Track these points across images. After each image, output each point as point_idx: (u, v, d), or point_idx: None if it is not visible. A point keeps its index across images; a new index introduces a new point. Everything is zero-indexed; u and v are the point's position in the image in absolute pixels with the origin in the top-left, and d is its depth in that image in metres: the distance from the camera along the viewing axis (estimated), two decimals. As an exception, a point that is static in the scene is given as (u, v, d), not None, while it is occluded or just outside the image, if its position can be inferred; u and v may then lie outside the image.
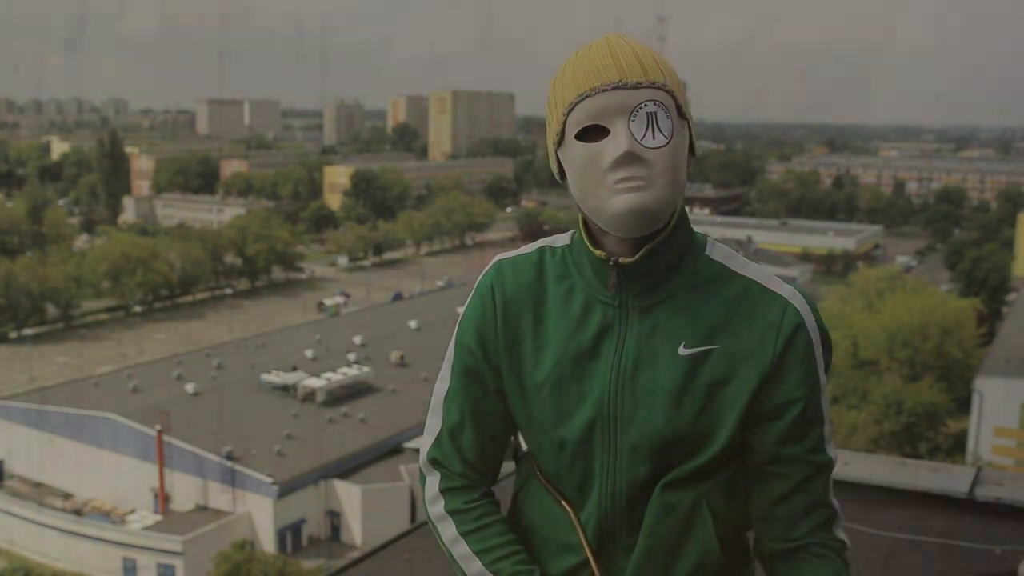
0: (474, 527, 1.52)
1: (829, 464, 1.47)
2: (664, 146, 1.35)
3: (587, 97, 1.36)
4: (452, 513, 1.54)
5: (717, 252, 1.49)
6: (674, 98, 1.38)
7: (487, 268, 1.57)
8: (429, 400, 1.63)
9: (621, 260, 1.42)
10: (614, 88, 1.35)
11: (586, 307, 1.47)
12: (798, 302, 1.45)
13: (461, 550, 1.52)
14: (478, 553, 1.50)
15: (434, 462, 1.57)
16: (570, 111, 1.38)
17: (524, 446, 1.59)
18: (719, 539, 1.45)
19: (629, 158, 1.34)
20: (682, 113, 1.40)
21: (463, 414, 1.55)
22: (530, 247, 1.57)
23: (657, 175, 1.35)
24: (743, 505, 1.50)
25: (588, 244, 1.47)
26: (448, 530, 1.53)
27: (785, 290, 1.46)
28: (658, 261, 1.43)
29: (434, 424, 1.58)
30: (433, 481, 1.57)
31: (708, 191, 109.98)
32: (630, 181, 1.34)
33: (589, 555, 1.47)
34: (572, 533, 1.49)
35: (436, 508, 1.56)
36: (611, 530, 1.47)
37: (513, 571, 1.49)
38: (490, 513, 1.54)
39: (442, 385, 1.57)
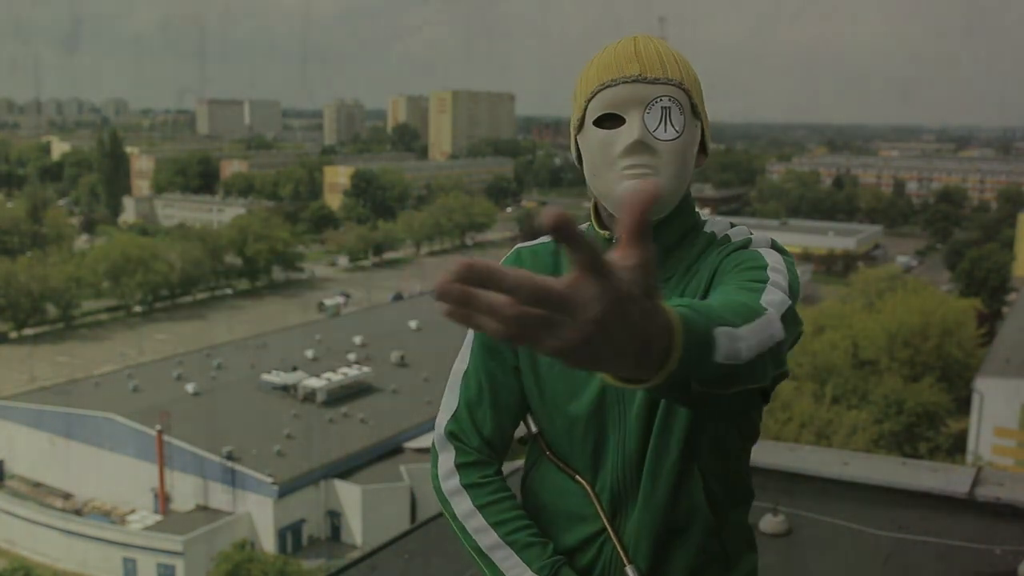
0: (489, 500, 1.58)
1: None
2: (675, 139, 1.45)
3: (608, 87, 1.46)
4: (468, 487, 1.58)
5: (710, 225, 1.57)
6: (689, 96, 1.47)
7: (507, 254, 1.67)
8: (446, 382, 1.67)
9: None
10: (633, 81, 1.45)
11: None
12: (756, 246, 1.49)
13: (476, 523, 1.57)
14: (494, 525, 1.56)
15: (451, 435, 1.62)
16: (591, 99, 1.48)
17: (534, 428, 1.64)
18: (706, 495, 1.52)
19: (640, 147, 1.44)
20: (696, 112, 1.49)
21: (481, 389, 1.60)
22: (547, 237, 1.66)
23: (664, 165, 1.45)
24: (733, 464, 1.57)
25: (596, 227, 1.56)
26: (463, 504, 1.58)
27: (745, 237, 1.51)
28: (658, 239, 1.48)
29: (451, 400, 1.63)
30: (448, 456, 1.62)
31: (708, 191, 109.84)
32: (638, 168, 1.44)
33: (606, 523, 1.53)
34: (586, 505, 1.55)
35: (451, 483, 1.60)
36: (623, 498, 1.54)
37: (528, 541, 1.55)
38: (504, 489, 1.60)
39: (460, 364, 1.64)
